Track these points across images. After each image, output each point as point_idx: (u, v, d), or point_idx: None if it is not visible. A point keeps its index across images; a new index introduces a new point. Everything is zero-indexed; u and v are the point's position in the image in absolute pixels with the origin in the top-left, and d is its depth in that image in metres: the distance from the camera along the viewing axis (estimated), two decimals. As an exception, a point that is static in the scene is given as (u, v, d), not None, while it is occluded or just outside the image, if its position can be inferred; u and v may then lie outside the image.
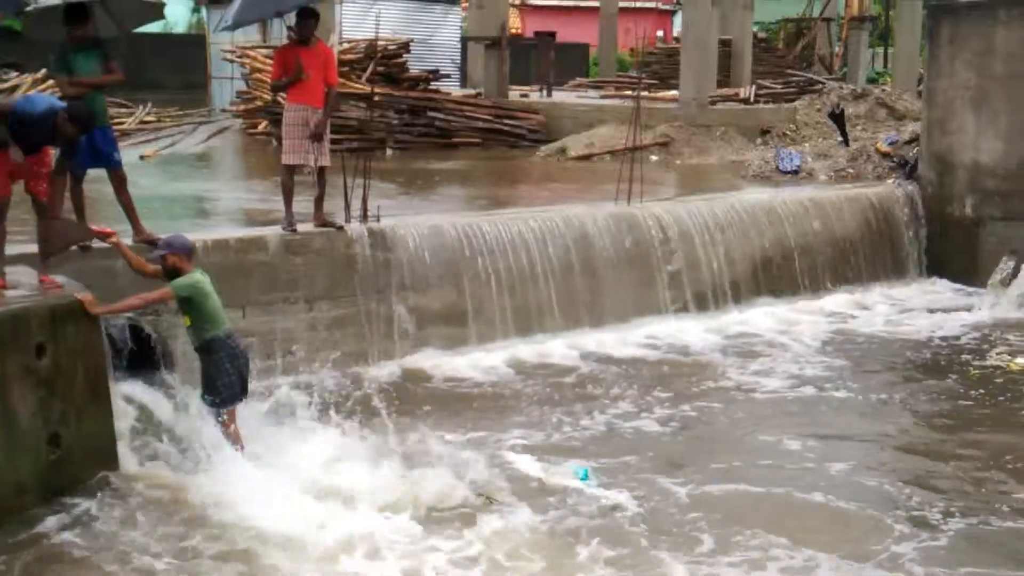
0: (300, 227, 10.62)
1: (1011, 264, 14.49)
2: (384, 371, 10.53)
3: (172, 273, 8.13)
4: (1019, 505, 7.88)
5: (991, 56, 14.80)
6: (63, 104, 8.14)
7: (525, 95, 24.88)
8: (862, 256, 14.82)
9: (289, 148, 10.52)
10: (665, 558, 6.97)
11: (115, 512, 7.17)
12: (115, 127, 14.75)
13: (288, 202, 10.68)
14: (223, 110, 24.53)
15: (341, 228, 10.82)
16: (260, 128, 21.13)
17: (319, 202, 10.79)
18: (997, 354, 11.85)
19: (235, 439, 8.05)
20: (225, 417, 8.07)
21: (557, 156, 19.99)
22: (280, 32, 24.31)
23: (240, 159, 20.30)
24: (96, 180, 9.81)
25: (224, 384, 8.08)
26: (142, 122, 22.24)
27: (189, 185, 15.58)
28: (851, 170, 17.19)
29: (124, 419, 8.04)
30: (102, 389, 7.67)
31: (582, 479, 8.04)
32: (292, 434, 8.34)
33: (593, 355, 11.41)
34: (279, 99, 19.45)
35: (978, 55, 14.95)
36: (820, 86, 22.66)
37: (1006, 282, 14.39)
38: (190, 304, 8.06)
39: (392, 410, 9.17)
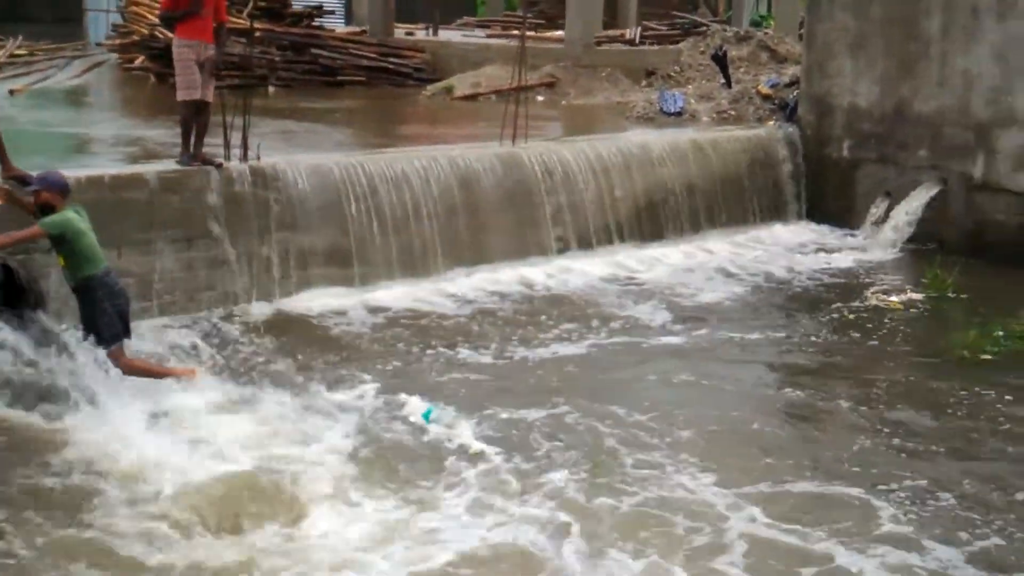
0: (176, 165, 10.41)
1: (884, 206, 14.87)
2: (264, 311, 10.36)
3: (45, 210, 7.92)
4: (892, 426, 8.20)
5: (869, 1, 15.05)
6: None
7: (411, 33, 24.59)
8: (743, 197, 15.04)
9: (184, 84, 10.29)
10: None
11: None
12: (-18, 60, 14.21)
13: (188, 136, 10.48)
14: (98, 44, 23.77)
15: (220, 166, 10.61)
16: (137, 63, 20.54)
17: (199, 139, 10.56)
18: (871, 293, 12.19)
19: (135, 370, 8.00)
20: (112, 355, 7.93)
21: (443, 95, 19.83)
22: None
23: (116, 94, 19.73)
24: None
25: (105, 323, 7.96)
26: (12, 56, 21.41)
27: (62, 120, 15.10)
28: (733, 112, 17.38)
29: (-7, 360, 7.85)
30: (-31, 330, 7.45)
31: (424, 418, 8.07)
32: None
33: (476, 295, 11.41)
34: (157, 33, 19.00)
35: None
36: (704, 28, 22.79)
37: (879, 223, 14.77)
38: (62, 242, 7.87)
39: (269, 351, 9.13)
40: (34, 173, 9.20)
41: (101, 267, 8.01)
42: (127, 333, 8.21)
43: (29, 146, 11.50)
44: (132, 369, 8.05)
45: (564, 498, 7.00)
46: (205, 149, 10.64)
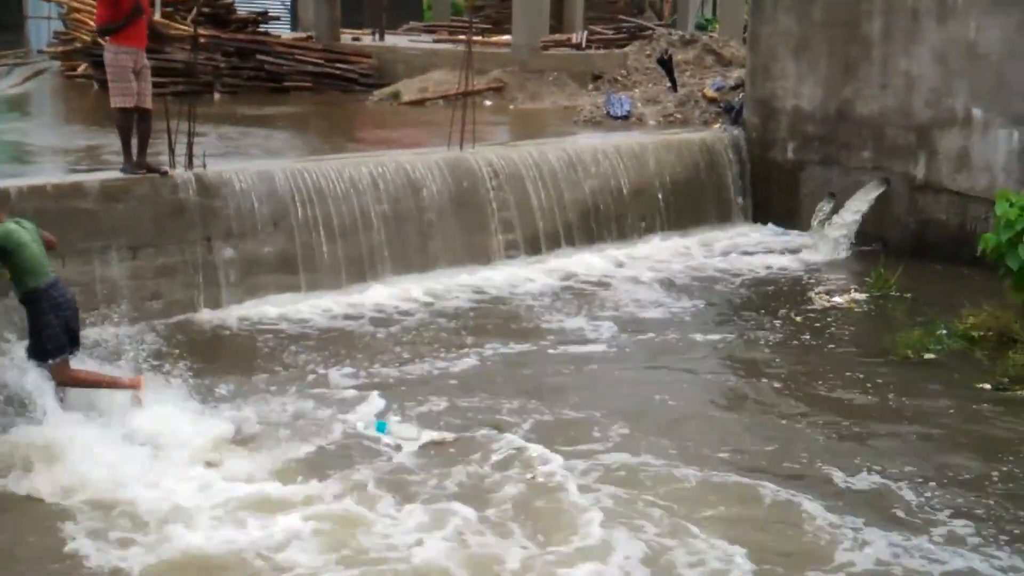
0: (120, 173, 10.33)
1: (828, 207, 15.02)
2: (212, 319, 10.33)
3: None
4: (837, 425, 8.32)
5: (811, 4, 15.20)
6: None
7: (357, 39, 24.54)
8: (691, 200, 15.12)
9: (119, 91, 10.23)
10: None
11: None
12: (-80, 68, 13.99)
13: (128, 145, 10.41)
14: (40, 51, 23.50)
15: (165, 173, 10.53)
16: (79, 70, 20.34)
17: (142, 147, 10.48)
18: (816, 293, 12.31)
19: (79, 382, 7.89)
20: (52, 370, 7.82)
21: (390, 101, 19.81)
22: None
23: (59, 102, 19.54)
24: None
25: (48, 336, 7.82)
26: (-48, 64, 21.19)
27: (3, 128, 14.91)
28: (679, 115, 17.51)
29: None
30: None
31: (379, 430, 8.00)
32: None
33: (424, 301, 11.39)
34: (100, 41, 18.78)
35: (799, 2, 15.34)
36: (650, 32, 22.93)
37: (824, 224, 14.92)
38: (4, 255, 7.77)
39: (219, 359, 9.07)
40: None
41: (46, 279, 7.90)
42: (75, 344, 8.08)
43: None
44: (76, 381, 7.93)
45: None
46: (148, 157, 10.57)
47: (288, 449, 7.64)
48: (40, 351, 7.87)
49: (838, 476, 7.51)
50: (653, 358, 10.03)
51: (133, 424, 7.68)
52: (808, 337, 10.73)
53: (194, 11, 19.78)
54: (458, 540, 6.50)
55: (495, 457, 7.65)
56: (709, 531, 6.66)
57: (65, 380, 7.89)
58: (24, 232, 7.88)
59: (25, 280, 7.80)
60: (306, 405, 8.43)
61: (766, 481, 7.34)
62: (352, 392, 8.81)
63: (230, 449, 7.58)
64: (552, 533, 6.61)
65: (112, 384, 8.01)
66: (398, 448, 7.78)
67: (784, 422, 8.52)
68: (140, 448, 7.42)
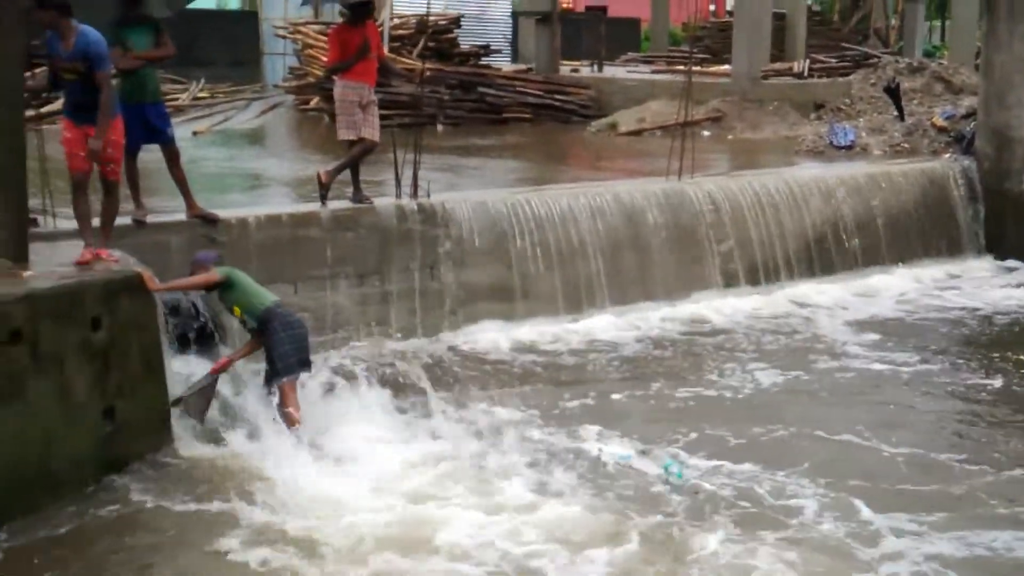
0: (350, 203, 10.72)
1: (1069, 241, 14.27)
2: (433, 346, 10.52)
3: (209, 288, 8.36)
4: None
5: (1050, 29, 14.54)
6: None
7: (576, 70, 24.80)
8: (917, 233, 14.61)
9: (345, 124, 10.69)
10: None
11: (166, 487, 7.26)
12: (169, 103, 14.88)
13: (355, 175, 10.85)
14: (275, 86, 24.67)
15: (371, 203, 10.78)
16: (312, 104, 21.23)
17: (341, 168, 10.79)
18: (1053, 332, 11.71)
19: (291, 415, 7.97)
20: (277, 391, 8.08)
21: (608, 131, 19.91)
22: (332, 9, 24.46)
23: (293, 135, 20.42)
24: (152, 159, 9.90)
25: (279, 355, 8.10)
26: (195, 98, 22.42)
27: (243, 160, 15.70)
28: (906, 145, 16.96)
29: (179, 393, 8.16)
30: (157, 362, 7.77)
31: (677, 476, 7.67)
32: (342, 411, 8.33)
33: (643, 331, 11.34)
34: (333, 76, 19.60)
35: (1037, 28, 14.68)
36: (875, 60, 22.32)
37: (1064, 259, 14.18)
38: (233, 288, 8.15)
39: (442, 386, 9.22)
40: (218, 212, 9.67)
41: (272, 300, 8.28)
42: (305, 367, 8.30)
43: (212, 186, 12.03)
44: (288, 413, 7.99)
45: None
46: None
47: (523, 480, 7.58)
48: (271, 372, 8.18)
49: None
50: (885, 397, 9.67)
51: (352, 449, 7.82)
52: (1046, 377, 10.19)
53: (419, 46, 20.41)
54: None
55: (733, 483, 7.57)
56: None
57: (288, 403, 8.05)
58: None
59: (256, 305, 8.15)
60: (536, 433, 8.45)
61: None
62: (576, 419, 8.81)
63: (458, 477, 7.60)
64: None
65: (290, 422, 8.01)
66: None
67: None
68: (357, 473, 7.56)
